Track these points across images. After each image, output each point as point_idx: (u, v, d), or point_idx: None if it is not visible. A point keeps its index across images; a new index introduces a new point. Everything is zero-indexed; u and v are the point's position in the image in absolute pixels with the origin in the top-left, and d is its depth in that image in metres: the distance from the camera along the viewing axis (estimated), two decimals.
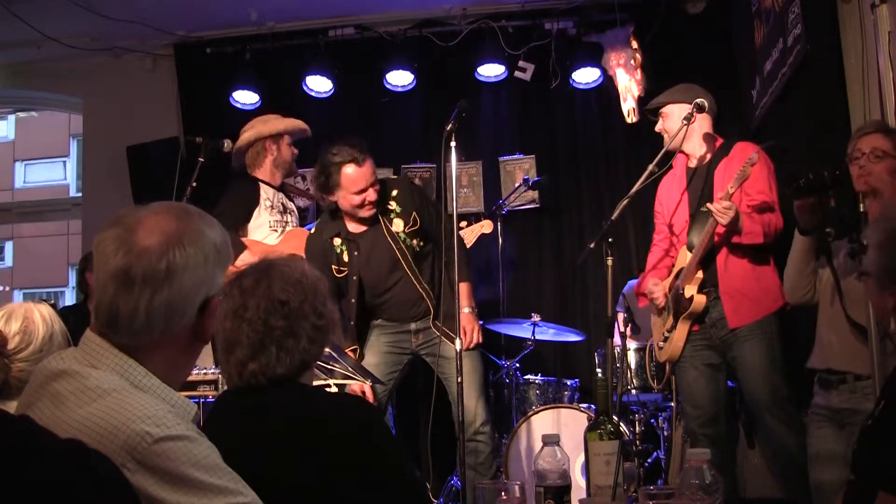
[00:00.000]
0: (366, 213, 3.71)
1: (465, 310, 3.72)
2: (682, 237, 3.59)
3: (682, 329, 3.52)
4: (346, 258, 3.79)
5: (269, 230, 4.15)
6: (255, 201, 4.14)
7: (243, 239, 4.07)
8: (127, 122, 5.80)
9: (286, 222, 4.22)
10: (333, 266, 3.79)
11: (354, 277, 3.77)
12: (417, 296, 3.79)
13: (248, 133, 4.27)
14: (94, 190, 6.16)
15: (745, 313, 3.41)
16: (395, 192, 3.80)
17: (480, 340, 3.77)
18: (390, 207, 3.78)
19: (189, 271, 1.40)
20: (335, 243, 3.80)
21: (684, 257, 3.54)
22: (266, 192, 4.17)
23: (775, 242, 3.42)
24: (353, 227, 3.80)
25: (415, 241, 3.78)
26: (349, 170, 3.62)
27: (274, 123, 4.29)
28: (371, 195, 3.67)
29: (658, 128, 3.70)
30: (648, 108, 3.81)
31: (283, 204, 4.25)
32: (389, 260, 3.76)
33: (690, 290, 3.47)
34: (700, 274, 3.48)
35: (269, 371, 1.81)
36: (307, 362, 1.87)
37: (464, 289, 3.73)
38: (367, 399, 3.54)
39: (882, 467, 1.62)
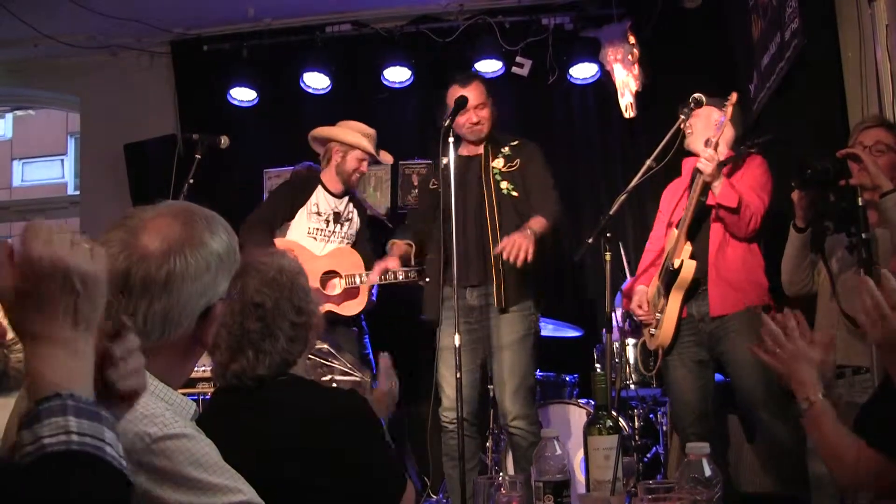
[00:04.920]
0: None
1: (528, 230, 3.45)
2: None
3: (674, 304, 3.44)
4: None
5: (308, 236, 4.10)
6: (302, 202, 4.10)
7: (278, 241, 4.01)
8: (124, 119, 5.79)
9: (332, 232, 4.14)
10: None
11: None
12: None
13: (327, 130, 4.23)
14: (91, 188, 6.15)
15: (730, 303, 3.39)
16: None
17: (525, 257, 3.38)
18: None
19: (189, 281, 1.37)
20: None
21: (672, 238, 3.48)
22: (318, 197, 4.12)
23: (758, 236, 3.42)
24: None
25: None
26: None
27: (352, 136, 4.16)
28: None
29: (685, 125, 3.49)
30: (694, 97, 3.47)
31: (335, 213, 4.16)
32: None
33: (679, 260, 3.41)
34: (689, 246, 3.40)
35: (250, 372, 1.82)
36: (289, 361, 1.87)
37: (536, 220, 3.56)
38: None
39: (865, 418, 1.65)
